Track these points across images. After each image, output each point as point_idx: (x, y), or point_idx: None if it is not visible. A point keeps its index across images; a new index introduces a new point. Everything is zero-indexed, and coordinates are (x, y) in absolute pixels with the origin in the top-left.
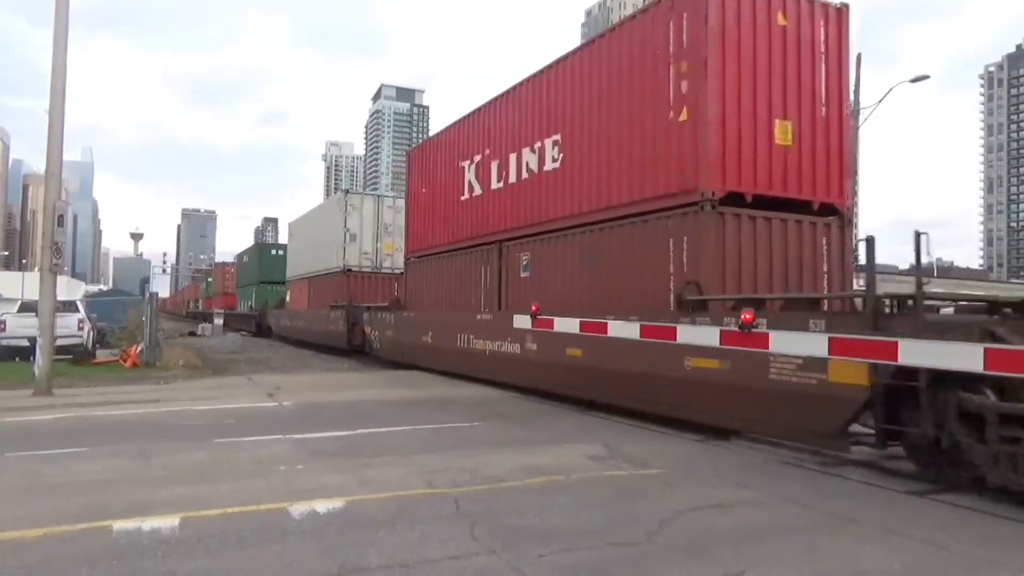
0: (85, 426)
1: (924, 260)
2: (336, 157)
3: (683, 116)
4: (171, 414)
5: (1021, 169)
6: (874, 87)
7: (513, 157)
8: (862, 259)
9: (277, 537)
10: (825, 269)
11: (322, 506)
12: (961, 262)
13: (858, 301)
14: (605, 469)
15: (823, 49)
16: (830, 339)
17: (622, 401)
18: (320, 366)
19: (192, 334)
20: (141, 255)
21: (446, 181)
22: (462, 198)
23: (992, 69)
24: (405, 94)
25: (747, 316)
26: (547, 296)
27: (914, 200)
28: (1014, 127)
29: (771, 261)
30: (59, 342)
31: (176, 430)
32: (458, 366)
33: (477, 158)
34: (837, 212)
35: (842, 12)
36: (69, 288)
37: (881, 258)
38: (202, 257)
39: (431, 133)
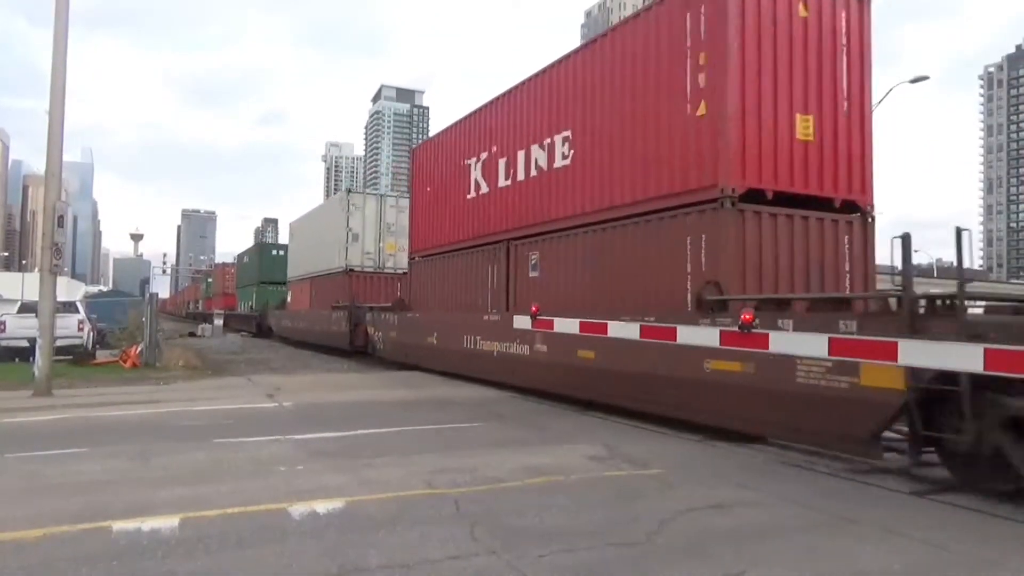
0: (85, 427)
1: (925, 261)
2: (336, 158)
3: (701, 110)
4: (171, 415)
5: (1021, 169)
6: (874, 87)
7: (521, 154)
8: (880, 259)
9: (277, 537)
10: (847, 268)
11: (322, 506)
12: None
13: (886, 301)
14: (605, 469)
15: (844, 41)
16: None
17: (637, 404)
18: (320, 366)
19: (192, 335)
20: (141, 256)
21: (451, 179)
22: (468, 196)
23: (992, 69)
24: (405, 95)
25: (747, 316)
26: (557, 296)
27: (914, 200)
28: (1014, 127)
29: (792, 260)
30: (59, 343)
31: (176, 431)
32: (464, 368)
33: (484, 156)
34: (859, 209)
35: (864, 3)
36: (69, 289)
37: (880, 258)
38: (202, 258)
39: (431, 133)
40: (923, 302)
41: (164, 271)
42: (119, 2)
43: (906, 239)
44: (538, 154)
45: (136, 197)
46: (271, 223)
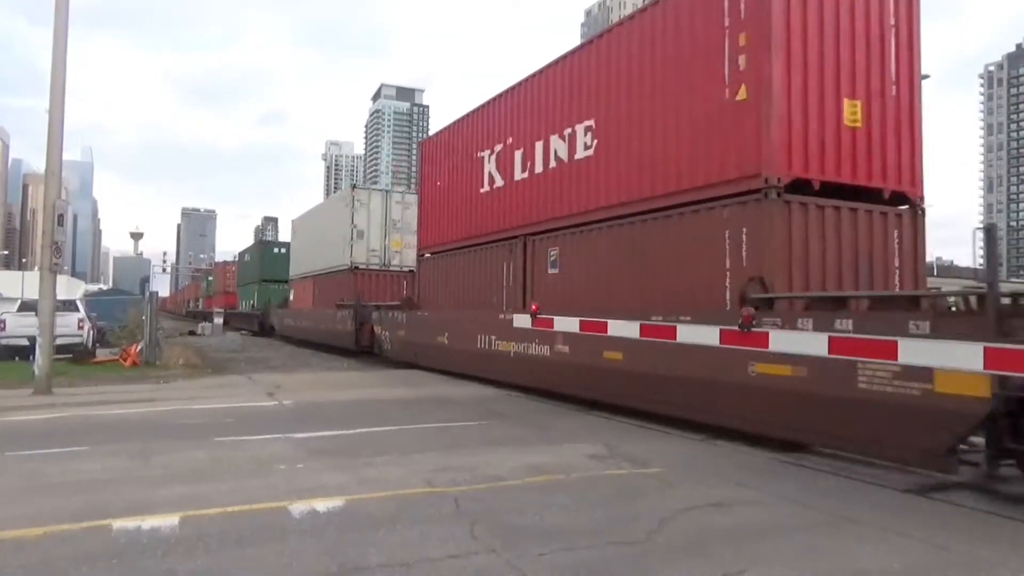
0: (85, 425)
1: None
2: (336, 157)
3: (741, 95)
4: (171, 413)
5: (1021, 169)
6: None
7: (539, 145)
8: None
9: (277, 536)
10: (896, 264)
11: (322, 505)
12: (961, 262)
13: (965, 300)
14: (605, 468)
15: (892, 22)
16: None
17: (668, 409)
18: (320, 365)
19: (192, 333)
20: (141, 254)
21: (463, 173)
22: (481, 190)
23: (992, 69)
24: (405, 94)
25: (747, 315)
26: (579, 293)
27: None
28: (1014, 127)
29: (840, 256)
30: (59, 341)
31: (176, 429)
32: (478, 368)
33: (498, 148)
34: (909, 201)
35: None
36: (69, 287)
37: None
38: (202, 256)
39: (431, 132)
40: (1008, 301)
41: (164, 269)
42: (119, 2)
43: (990, 230)
44: (558, 145)
45: (136, 196)
46: (271, 222)
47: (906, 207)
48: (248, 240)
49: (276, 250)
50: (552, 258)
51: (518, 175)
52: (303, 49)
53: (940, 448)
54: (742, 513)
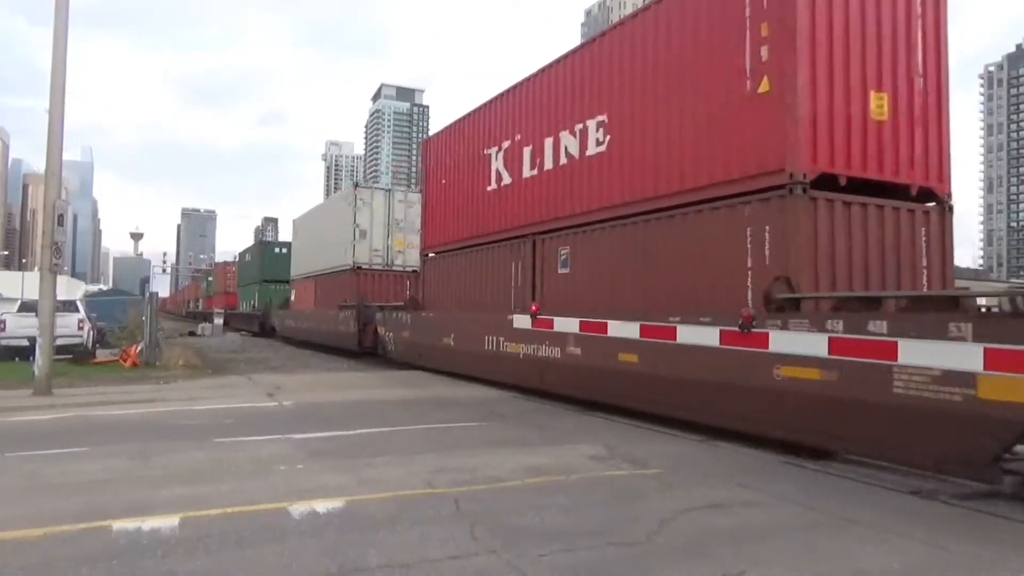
0: (85, 426)
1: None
2: (336, 157)
3: (763, 87)
4: (171, 414)
5: (1021, 169)
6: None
7: (549, 142)
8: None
9: (277, 537)
10: (924, 264)
11: (322, 506)
12: (961, 262)
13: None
14: (605, 469)
15: (920, 11)
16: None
17: (685, 414)
18: (320, 366)
19: (192, 334)
20: (141, 255)
21: (469, 170)
22: (488, 188)
23: (992, 69)
24: (405, 94)
25: (747, 314)
26: (590, 294)
27: None
28: (1014, 127)
29: (866, 255)
30: (59, 342)
31: (176, 430)
32: (485, 371)
33: (506, 144)
34: (936, 198)
35: None
36: (69, 288)
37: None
38: (202, 257)
39: (431, 132)
40: None
41: (164, 270)
42: (119, 2)
43: None
44: (568, 141)
45: (136, 196)
46: (271, 222)
47: (933, 204)
48: (248, 240)
49: (277, 250)
50: (563, 257)
51: (527, 172)
52: (303, 49)
53: (983, 457)
54: (742, 514)
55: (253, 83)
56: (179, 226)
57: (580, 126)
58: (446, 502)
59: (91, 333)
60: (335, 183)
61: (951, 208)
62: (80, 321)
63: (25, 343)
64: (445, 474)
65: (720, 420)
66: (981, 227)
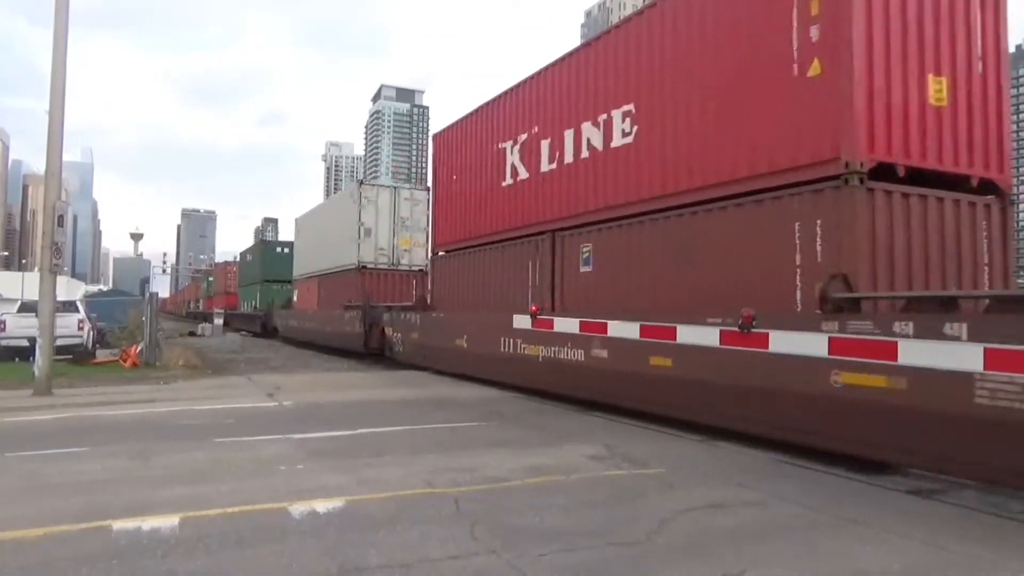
0: (85, 426)
1: None
2: (336, 157)
3: (813, 70)
4: (171, 414)
5: (1021, 169)
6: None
7: (569, 134)
8: None
9: (277, 537)
10: (986, 260)
11: (322, 506)
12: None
13: None
14: (605, 469)
15: None
16: None
17: (720, 421)
18: (320, 366)
19: (192, 334)
20: (141, 255)
21: (482, 166)
22: (503, 183)
23: None
24: (405, 94)
25: (747, 315)
26: (616, 294)
27: None
28: (1014, 127)
29: (926, 250)
30: (59, 342)
31: (176, 430)
32: (501, 374)
33: (522, 138)
34: (998, 190)
35: None
36: (69, 288)
37: None
38: (202, 257)
39: (431, 132)
40: None
41: (164, 270)
42: (119, 2)
43: None
44: (591, 132)
45: (136, 197)
46: (271, 222)
47: (994, 196)
48: (248, 241)
49: (279, 250)
50: (585, 255)
51: (545, 166)
52: (303, 49)
53: None
54: (742, 514)
55: (253, 83)
56: (179, 226)
57: (604, 116)
58: (446, 502)
59: (91, 333)
60: (335, 183)
61: (1014, 202)
62: (80, 321)
63: (25, 343)
64: (445, 474)
65: (771, 431)
66: None
